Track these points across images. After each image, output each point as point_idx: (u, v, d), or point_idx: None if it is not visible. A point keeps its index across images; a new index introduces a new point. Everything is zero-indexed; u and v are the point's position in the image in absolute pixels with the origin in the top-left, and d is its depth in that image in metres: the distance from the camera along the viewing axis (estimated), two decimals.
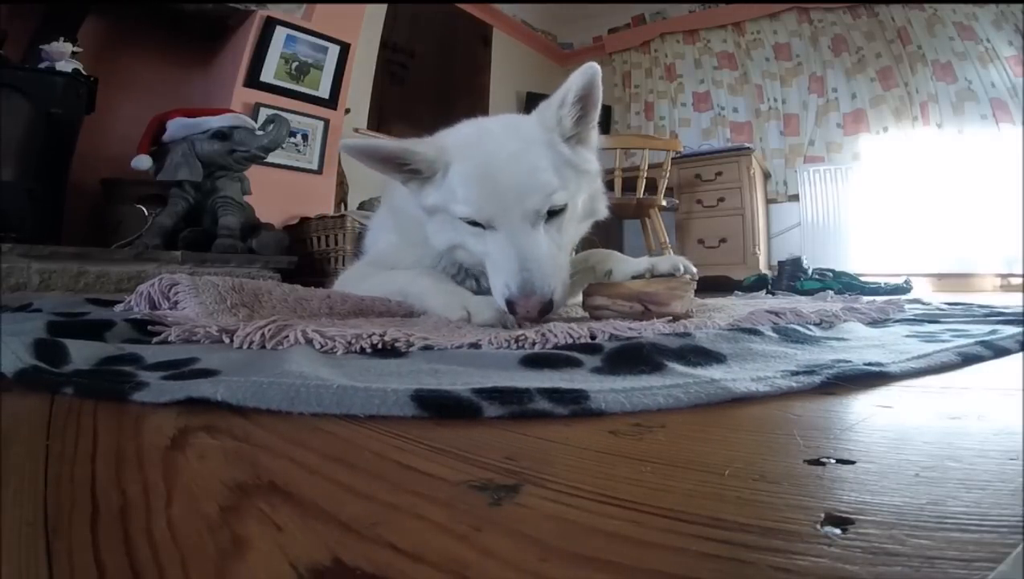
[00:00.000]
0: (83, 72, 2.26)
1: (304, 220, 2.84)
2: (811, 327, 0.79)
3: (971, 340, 0.68)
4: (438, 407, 0.41)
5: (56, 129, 2.16)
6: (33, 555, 0.22)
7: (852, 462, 0.30)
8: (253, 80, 2.88)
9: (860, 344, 0.70)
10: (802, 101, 4.12)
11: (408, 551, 0.22)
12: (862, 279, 2.81)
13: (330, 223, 2.68)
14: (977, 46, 3.48)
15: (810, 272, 2.80)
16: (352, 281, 1.20)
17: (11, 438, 0.39)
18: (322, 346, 0.65)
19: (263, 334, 0.67)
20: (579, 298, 1.11)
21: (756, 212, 3.77)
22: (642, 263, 1.05)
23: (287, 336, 0.67)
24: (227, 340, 0.70)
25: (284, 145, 2.64)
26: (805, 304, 1.16)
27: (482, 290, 1.05)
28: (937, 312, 1.15)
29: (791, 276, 2.78)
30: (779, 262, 2.93)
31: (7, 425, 0.42)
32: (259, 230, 2.51)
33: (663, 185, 2.87)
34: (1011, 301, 1.54)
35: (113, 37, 2.73)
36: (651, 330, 0.74)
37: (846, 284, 2.66)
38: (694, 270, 1.02)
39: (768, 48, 4.31)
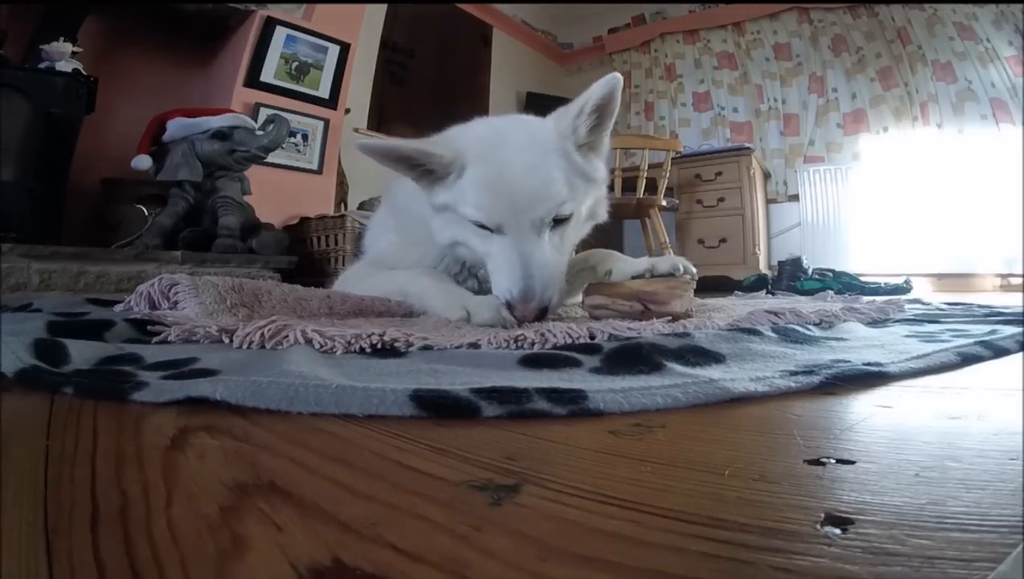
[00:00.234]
0: (83, 72, 2.26)
1: (304, 220, 2.84)
2: (811, 327, 0.79)
3: (971, 340, 0.68)
4: (437, 407, 0.41)
5: (56, 129, 2.16)
6: (33, 555, 0.22)
7: (852, 462, 0.30)
8: (253, 80, 2.88)
9: (860, 344, 0.70)
10: (802, 101, 4.12)
11: (408, 551, 0.22)
12: (862, 279, 2.81)
13: (330, 223, 2.68)
14: (977, 46, 3.48)
15: (810, 272, 2.80)
16: (352, 281, 1.20)
17: (11, 438, 0.39)
18: (321, 346, 0.65)
19: (263, 334, 0.67)
20: (579, 298, 1.11)
21: (756, 212, 3.77)
22: (642, 263, 1.06)
23: (287, 336, 0.67)
24: (227, 340, 0.70)
25: (284, 145, 2.64)
26: (805, 304, 1.16)
27: (483, 290, 1.05)
28: (937, 312, 1.15)
29: (791, 276, 2.78)
30: (779, 262, 2.93)
31: (7, 425, 0.42)
32: (259, 230, 2.51)
33: (663, 185, 2.87)
34: (1011, 301, 1.54)
35: (113, 37, 2.73)
36: (650, 330, 0.74)
37: (846, 284, 2.66)
38: (694, 270, 1.03)
39: (768, 48, 4.31)
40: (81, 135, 2.29)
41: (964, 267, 3.38)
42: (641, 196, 2.74)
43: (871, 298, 1.34)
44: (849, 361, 0.56)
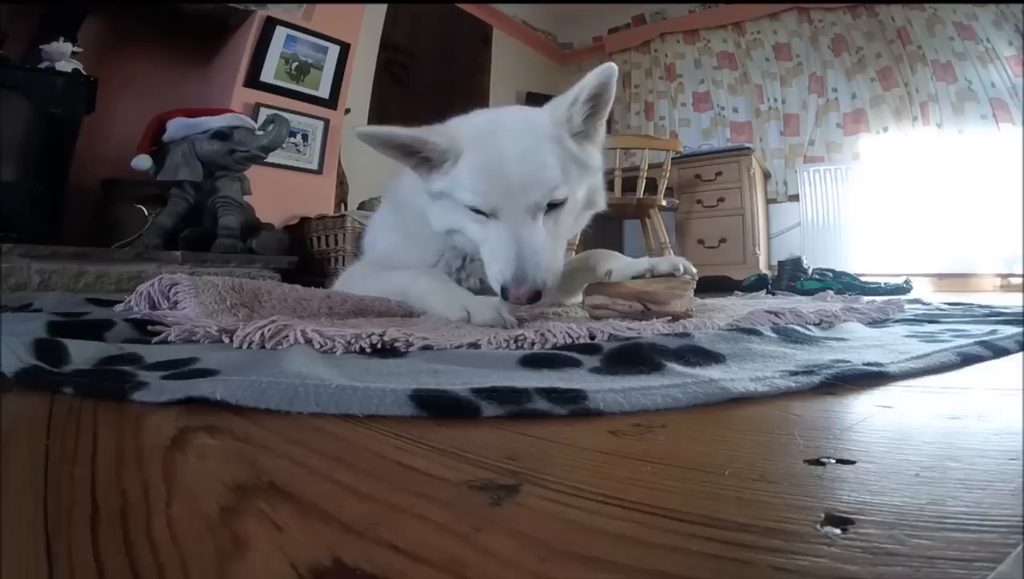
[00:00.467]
0: (83, 72, 2.26)
1: (304, 220, 2.84)
2: (810, 327, 0.79)
3: (971, 340, 0.68)
4: (437, 407, 0.41)
5: (56, 129, 2.16)
6: (33, 555, 0.22)
7: (852, 462, 0.30)
8: (253, 80, 2.88)
9: (860, 344, 0.70)
10: (802, 101, 4.12)
11: (408, 551, 0.22)
12: (862, 279, 2.81)
13: (330, 223, 2.68)
14: (977, 46, 3.47)
15: (810, 272, 2.80)
16: (352, 281, 1.20)
17: (11, 438, 0.39)
18: (321, 346, 0.65)
19: (263, 334, 0.67)
20: (579, 298, 1.11)
21: (756, 212, 3.77)
22: (642, 263, 1.06)
23: (287, 336, 0.67)
24: (227, 340, 0.69)
25: (284, 145, 2.64)
26: (805, 304, 1.16)
27: (483, 290, 1.06)
28: (937, 312, 1.15)
29: (791, 276, 2.78)
30: (779, 262, 2.93)
31: (7, 425, 0.42)
32: (259, 230, 2.51)
33: (663, 185, 2.86)
34: (1011, 301, 1.54)
35: (113, 37, 2.73)
36: (650, 330, 0.74)
37: (846, 284, 2.66)
38: (694, 270, 1.03)
39: (768, 48, 4.31)
40: (81, 135, 2.29)
41: (964, 267, 3.38)
42: (641, 196, 2.74)
43: (871, 298, 1.34)
44: (849, 361, 0.56)
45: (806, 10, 4.13)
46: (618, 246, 3.94)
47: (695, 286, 0.99)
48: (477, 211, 0.94)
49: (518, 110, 1.06)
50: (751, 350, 0.61)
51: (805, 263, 2.84)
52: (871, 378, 0.51)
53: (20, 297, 1.62)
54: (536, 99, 4.67)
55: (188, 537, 0.23)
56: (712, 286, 2.82)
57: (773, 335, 0.70)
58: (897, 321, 0.98)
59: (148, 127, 2.38)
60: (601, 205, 1.14)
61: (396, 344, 0.66)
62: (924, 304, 1.40)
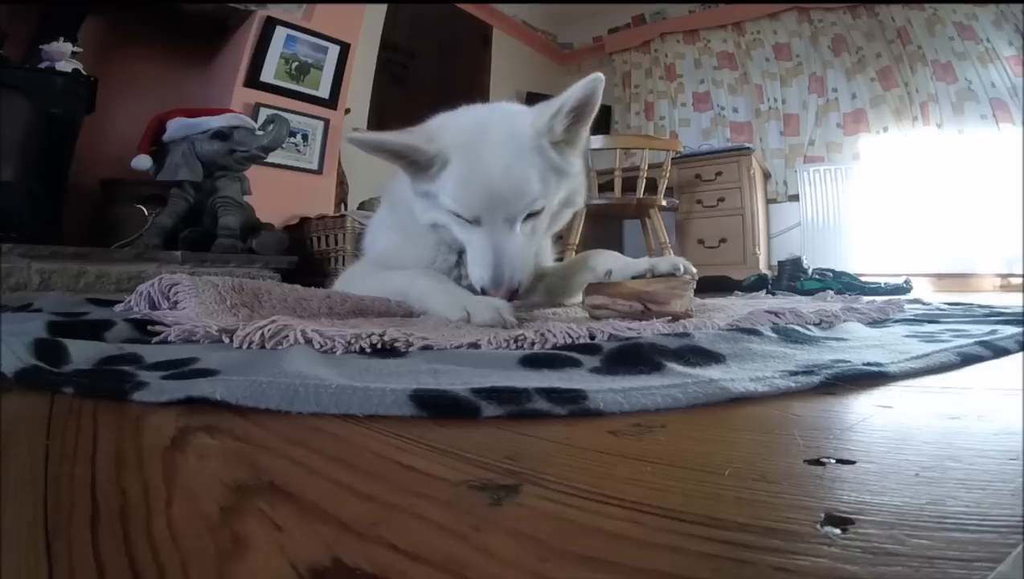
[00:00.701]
0: (83, 72, 2.25)
1: (304, 220, 2.84)
2: (810, 327, 0.79)
3: (971, 340, 0.68)
4: (436, 407, 0.41)
5: (56, 129, 2.15)
6: (33, 555, 0.22)
7: (852, 462, 0.30)
8: (253, 80, 2.88)
9: (860, 344, 0.70)
10: (802, 101, 4.12)
11: (408, 551, 0.22)
12: (862, 279, 2.81)
13: (330, 223, 2.68)
14: (977, 46, 3.47)
15: (810, 272, 2.80)
16: (352, 281, 1.20)
17: (11, 438, 0.39)
18: (321, 346, 0.65)
19: (263, 334, 0.67)
20: (579, 298, 1.11)
21: (756, 212, 3.77)
22: (642, 263, 1.06)
23: (287, 336, 0.67)
24: (227, 340, 0.69)
25: (284, 145, 2.64)
26: (805, 304, 1.16)
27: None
28: (937, 312, 1.15)
29: (791, 276, 2.78)
30: (779, 262, 2.93)
31: (7, 425, 0.42)
32: (259, 230, 2.51)
33: (663, 185, 2.86)
34: (1011, 301, 1.54)
35: (113, 37, 2.73)
36: (650, 330, 0.74)
37: (846, 284, 2.66)
38: (694, 270, 1.03)
39: (768, 48, 4.31)
40: (81, 135, 2.29)
41: (964, 267, 3.38)
42: (641, 196, 2.74)
43: (871, 298, 1.34)
44: (849, 361, 0.56)
45: (806, 10, 4.13)
46: (618, 246, 3.94)
47: (695, 286, 0.99)
48: (460, 216, 0.99)
49: (504, 115, 1.06)
50: (751, 350, 0.61)
51: (805, 263, 2.84)
52: (871, 378, 0.51)
53: (20, 297, 1.63)
54: (536, 99, 4.67)
55: (188, 537, 0.23)
56: (712, 286, 2.82)
57: (773, 335, 0.70)
58: (897, 321, 0.98)
59: (148, 127, 2.38)
60: (579, 204, 1.18)
61: (396, 344, 0.66)
62: (924, 304, 1.40)
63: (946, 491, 0.26)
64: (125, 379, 0.49)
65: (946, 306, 1.30)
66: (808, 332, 0.74)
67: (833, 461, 0.30)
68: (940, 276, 3.42)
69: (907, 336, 0.76)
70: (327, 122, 3.14)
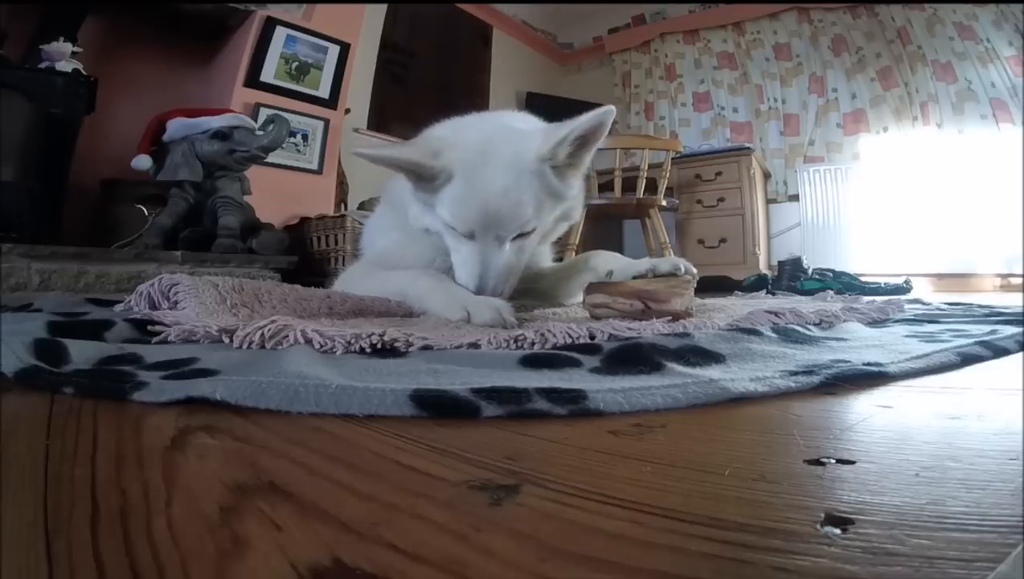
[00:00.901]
0: (83, 72, 2.25)
1: (304, 220, 2.84)
2: (810, 327, 0.79)
3: (971, 340, 0.68)
4: (436, 407, 0.41)
5: (56, 129, 2.15)
6: (33, 555, 0.22)
7: (852, 462, 0.30)
8: (253, 80, 2.88)
9: (860, 344, 0.70)
10: (802, 101, 4.12)
11: (408, 551, 0.22)
12: (862, 279, 2.81)
13: (330, 223, 2.68)
14: (977, 46, 3.47)
15: (810, 272, 2.80)
16: (352, 281, 1.20)
17: (11, 438, 0.39)
18: (321, 346, 0.65)
19: (263, 334, 0.67)
20: (579, 298, 1.11)
21: (756, 212, 3.77)
22: (643, 264, 1.07)
23: (287, 336, 0.67)
24: (227, 340, 0.69)
25: (284, 145, 2.64)
26: (805, 304, 1.16)
27: None
28: (937, 312, 1.15)
29: (791, 276, 2.78)
30: (779, 262, 2.93)
31: (7, 425, 0.42)
32: (259, 230, 2.51)
33: (663, 185, 2.86)
34: (1011, 301, 1.54)
35: (113, 37, 2.73)
36: (650, 330, 0.74)
37: (846, 284, 2.66)
38: (695, 271, 1.03)
39: (768, 48, 4.31)
40: (81, 135, 2.29)
41: (964, 267, 3.38)
42: (641, 196, 2.74)
43: (871, 298, 1.34)
44: (849, 361, 0.56)
45: (806, 10, 4.13)
46: (618, 246, 3.95)
47: (695, 285, 0.99)
48: (454, 229, 1.02)
49: (510, 135, 1.04)
50: (751, 350, 0.61)
51: (805, 263, 2.83)
52: (871, 378, 0.51)
53: (20, 297, 1.63)
54: (536, 99, 4.68)
55: (188, 537, 0.23)
56: (712, 286, 2.82)
57: (773, 335, 0.70)
58: (897, 321, 0.98)
59: (148, 127, 2.38)
60: (575, 218, 1.20)
61: (396, 344, 0.66)
62: (924, 304, 1.40)
63: (946, 491, 0.26)
64: (125, 379, 0.49)
65: (946, 306, 1.30)
66: (808, 332, 0.74)
67: (833, 461, 0.30)
68: (940, 276, 3.42)
69: (907, 336, 0.76)
70: (327, 122, 3.14)
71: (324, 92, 3.13)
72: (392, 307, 1.04)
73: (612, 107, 0.99)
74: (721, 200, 3.80)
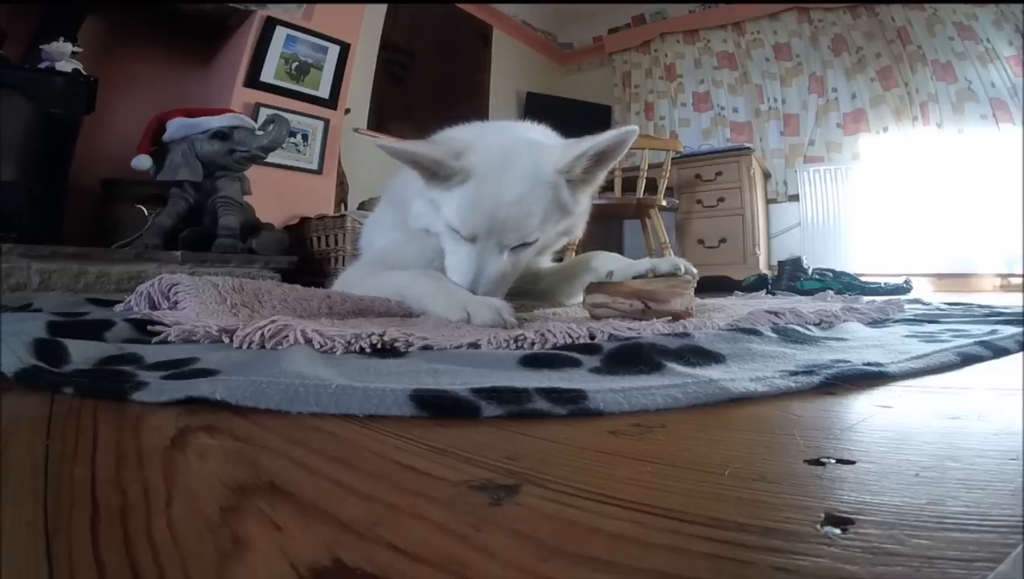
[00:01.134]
0: (83, 72, 2.25)
1: (304, 220, 2.84)
2: (810, 327, 0.79)
3: (971, 340, 0.68)
4: (436, 407, 0.41)
5: (56, 129, 2.15)
6: (33, 555, 0.22)
7: (852, 462, 0.30)
8: (253, 80, 2.88)
9: (860, 344, 0.70)
10: (802, 101, 4.12)
11: (408, 551, 0.22)
12: (862, 279, 2.81)
13: (330, 223, 2.68)
14: (977, 46, 3.47)
15: (810, 272, 2.80)
16: (351, 281, 1.19)
17: (11, 438, 0.39)
18: (321, 346, 0.65)
19: (262, 334, 0.67)
20: (580, 298, 1.11)
21: (756, 212, 3.77)
22: (643, 264, 1.07)
23: (287, 336, 0.67)
24: (227, 340, 0.69)
25: (284, 145, 2.64)
26: (805, 304, 1.16)
27: None
28: (937, 312, 1.15)
29: (791, 276, 2.78)
30: (779, 262, 2.93)
31: (7, 425, 0.42)
32: (259, 230, 2.51)
33: (663, 185, 2.86)
34: (1011, 301, 1.54)
35: (113, 37, 2.73)
36: (650, 330, 0.74)
37: (846, 284, 2.66)
38: (695, 272, 1.04)
39: (768, 48, 4.30)
40: (81, 135, 2.29)
41: (964, 267, 3.38)
42: (641, 196, 2.74)
43: (871, 298, 1.34)
44: (849, 361, 0.56)
45: (806, 10, 4.13)
46: (618, 246, 3.94)
47: (696, 285, 0.99)
48: (457, 232, 1.02)
49: (531, 148, 1.05)
50: (751, 350, 0.61)
51: (805, 263, 2.84)
52: (871, 378, 0.51)
53: (20, 297, 1.62)
54: (536, 99, 4.69)
55: (188, 537, 0.23)
56: (712, 286, 2.82)
57: (773, 335, 0.70)
58: (897, 321, 0.98)
59: (148, 127, 2.38)
60: (576, 234, 1.20)
61: (396, 344, 0.66)
62: (924, 304, 1.40)
63: (946, 491, 0.26)
64: (125, 379, 0.49)
65: (946, 306, 1.30)
66: (808, 332, 0.74)
67: (833, 461, 0.30)
68: (940, 276, 3.42)
69: (907, 336, 0.76)
70: (327, 122, 3.14)
71: (324, 92, 3.13)
72: (392, 307, 1.04)
73: (635, 128, 1.00)
74: (721, 200, 3.80)
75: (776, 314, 0.84)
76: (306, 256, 2.68)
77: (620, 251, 1.23)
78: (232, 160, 2.42)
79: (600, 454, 0.34)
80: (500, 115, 4.51)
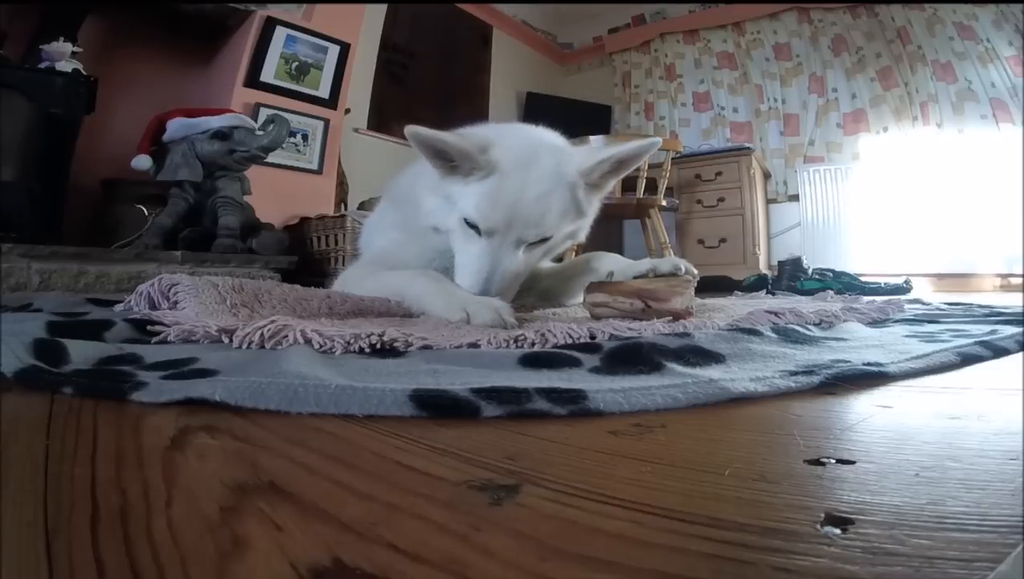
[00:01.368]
0: (83, 72, 2.25)
1: (304, 220, 2.84)
2: (810, 327, 0.79)
3: (971, 340, 0.68)
4: (436, 407, 0.41)
5: (56, 129, 2.15)
6: (33, 555, 0.22)
7: (852, 462, 0.30)
8: (253, 80, 2.88)
9: (860, 344, 0.70)
10: (802, 101, 4.12)
11: (408, 551, 0.22)
12: (862, 279, 2.81)
13: (330, 223, 2.68)
14: (977, 46, 3.47)
15: (810, 272, 2.80)
16: (351, 281, 1.19)
17: (11, 438, 0.39)
18: (321, 346, 0.65)
19: (262, 334, 0.67)
20: (580, 298, 1.12)
21: (756, 212, 3.77)
22: (644, 264, 1.07)
23: (286, 336, 0.67)
24: (226, 340, 0.69)
25: (284, 145, 2.64)
26: (805, 304, 1.16)
27: None
28: (937, 312, 1.15)
29: (791, 276, 2.78)
30: (779, 262, 2.93)
31: (7, 425, 0.42)
32: (259, 230, 2.51)
33: (663, 185, 2.86)
34: (1011, 301, 1.54)
35: (113, 37, 2.73)
36: (650, 330, 0.74)
37: (846, 284, 2.66)
38: (695, 272, 1.04)
39: (768, 48, 4.30)
40: (81, 135, 2.29)
41: (964, 267, 3.38)
42: (641, 196, 2.74)
43: (871, 298, 1.34)
44: (849, 361, 0.56)
45: (806, 10, 4.13)
46: (618, 246, 3.94)
47: (696, 285, 1.00)
48: (472, 225, 1.00)
49: (554, 147, 1.08)
50: (751, 350, 0.61)
51: (805, 263, 2.83)
52: (871, 378, 0.51)
53: (20, 297, 1.62)
54: (536, 99, 4.69)
55: (188, 537, 0.23)
56: (712, 286, 2.82)
57: (773, 335, 0.70)
58: (897, 321, 0.98)
59: (148, 127, 2.38)
60: (580, 238, 1.22)
61: (396, 344, 0.66)
62: (924, 304, 1.40)
63: (946, 491, 0.26)
64: (125, 379, 0.49)
65: (946, 306, 1.30)
66: (808, 332, 0.74)
67: (833, 461, 0.30)
68: (940, 276, 3.42)
69: (907, 336, 0.76)
70: (327, 122, 3.14)
71: (324, 92, 3.13)
72: (392, 307, 1.04)
73: (658, 139, 1.03)
74: (721, 200, 3.80)
75: (776, 314, 0.84)
76: (306, 256, 2.68)
77: (620, 251, 1.24)
78: (232, 160, 2.42)
79: (600, 454, 0.34)
80: (500, 115, 4.51)
